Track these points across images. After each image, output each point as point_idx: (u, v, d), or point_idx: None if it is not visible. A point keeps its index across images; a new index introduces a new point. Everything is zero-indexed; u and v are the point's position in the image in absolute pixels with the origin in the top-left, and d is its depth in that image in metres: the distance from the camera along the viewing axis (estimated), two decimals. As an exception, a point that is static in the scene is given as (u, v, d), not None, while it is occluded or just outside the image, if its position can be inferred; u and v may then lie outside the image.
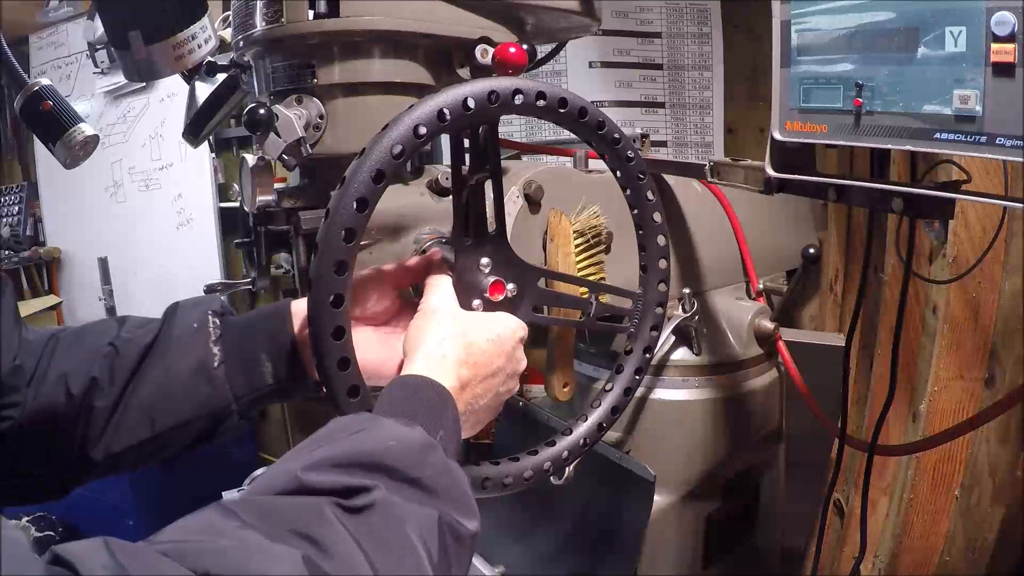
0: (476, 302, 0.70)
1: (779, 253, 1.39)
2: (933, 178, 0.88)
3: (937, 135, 0.60)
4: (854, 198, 0.73)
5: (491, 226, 0.71)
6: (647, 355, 0.80)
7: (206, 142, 1.41)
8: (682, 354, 1.13)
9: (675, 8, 1.86)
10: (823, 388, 1.10)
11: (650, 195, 0.77)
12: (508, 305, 0.72)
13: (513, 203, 0.93)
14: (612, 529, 1.09)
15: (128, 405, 0.68)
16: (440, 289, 0.68)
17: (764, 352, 1.17)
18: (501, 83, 0.64)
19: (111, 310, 2.59)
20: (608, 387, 0.80)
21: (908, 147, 0.63)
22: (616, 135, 0.72)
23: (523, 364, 0.70)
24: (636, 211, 0.78)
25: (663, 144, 1.90)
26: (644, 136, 1.30)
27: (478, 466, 0.69)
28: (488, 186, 0.70)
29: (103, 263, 2.60)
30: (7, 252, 3.01)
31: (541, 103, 0.66)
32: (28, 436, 0.66)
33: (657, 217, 0.78)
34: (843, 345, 1.05)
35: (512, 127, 1.93)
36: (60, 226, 3.17)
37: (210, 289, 1.00)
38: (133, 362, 0.69)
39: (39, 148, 3.01)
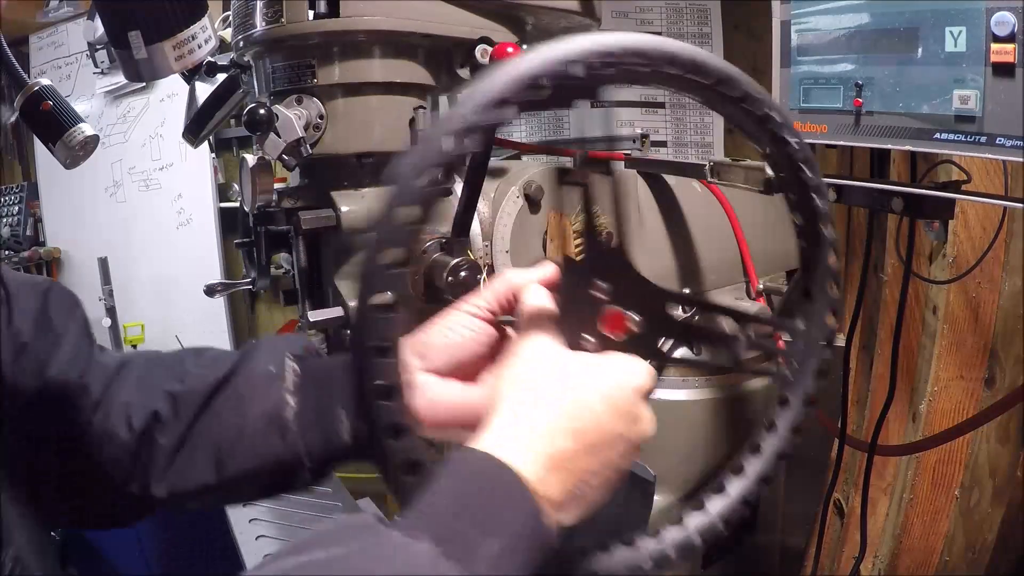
0: (588, 341, 0.54)
1: (779, 253, 1.39)
2: (933, 178, 0.88)
3: (937, 135, 0.60)
4: (854, 198, 0.73)
5: (609, 237, 0.55)
6: (808, 407, 0.60)
7: (206, 142, 1.41)
8: (682, 354, 1.12)
9: (675, 8, 1.86)
10: (823, 388, 1.10)
11: (819, 202, 0.56)
12: (632, 345, 0.54)
13: (513, 203, 0.93)
14: (612, 529, 1.09)
15: (195, 445, 0.63)
16: (537, 325, 0.53)
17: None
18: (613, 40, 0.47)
19: (111, 310, 2.59)
20: (756, 449, 0.60)
21: (908, 147, 0.63)
22: (772, 112, 0.53)
23: (650, 428, 0.53)
24: (801, 220, 0.57)
25: (663, 144, 1.90)
26: (644, 136, 1.30)
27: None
28: (603, 186, 0.54)
29: (103, 263, 2.60)
30: (7, 252, 3.01)
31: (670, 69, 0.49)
32: (91, 461, 0.62)
33: (828, 230, 0.57)
34: (843, 345, 1.05)
35: (512, 127, 1.93)
36: (60, 226, 3.17)
37: (210, 289, 0.99)
38: (200, 399, 0.64)
39: (39, 148, 3.01)
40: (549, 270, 0.56)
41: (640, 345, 0.54)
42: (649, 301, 0.55)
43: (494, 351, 0.58)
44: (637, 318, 0.54)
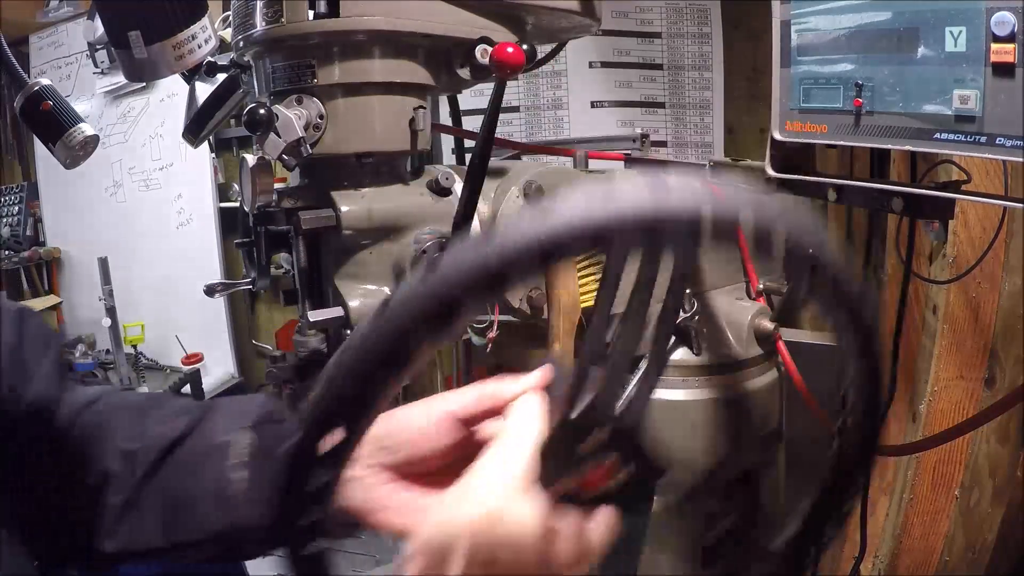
0: (560, 484, 0.44)
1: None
2: (933, 178, 0.88)
3: (937, 135, 0.60)
4: (854, 198, 0.73)
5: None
6: None
7: (206, 142, 1.41)
8: (682, 354, 1.12)
9: (675, 8, 1.86)
10: (823, 388, 1.10)
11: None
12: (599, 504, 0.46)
13: (513, 203, 0.93)
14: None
15: (144, 509, 0.61)
16: (505, 454, 0.43)
17: (764, 352, 1.17)
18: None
19: (111, 310, 2.59)
20: None
21: (908, 147, 0.63)
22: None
23: None
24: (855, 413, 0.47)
25: (663, 144, 1.90)
26: (644, 136, 1.30)
27: None
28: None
29: (103, 263, 2.60)
30: (7, 252, 3.01)
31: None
32: (46, 506, 0.62)
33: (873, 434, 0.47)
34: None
35: (512, 127, 1.93)
36: (60, 226, 3.17)
37: (210, 289, 0.99)
38: (153, 459, 0.62)
39: (39, 148, 3.01)
40: (546, 374, 0.48)
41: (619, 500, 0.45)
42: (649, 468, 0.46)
43: (462, 456, 0.50)
44: (627, 477, 0.46)
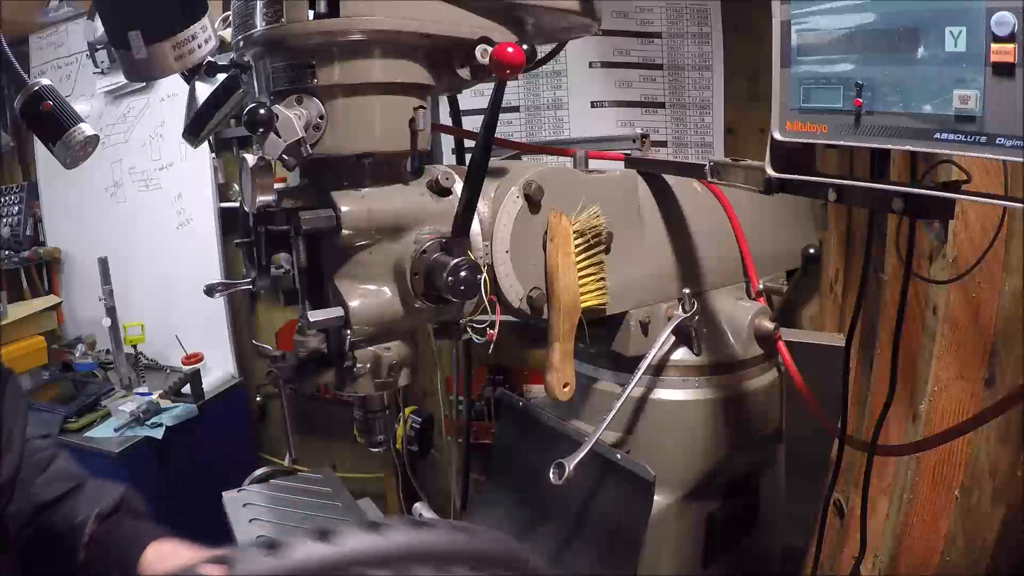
0: None
1: (779, 253, 1.39)
2: (933, 178, 0.88)
3: (937, 135, 0.60)
4: (854, 198, 0.73)
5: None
6: None
7: (206, 142, 1.40)
8: (682, 354, 1.13)
9: (675, 8, 1.86)
10: (823, 388, 1.10)
11: None
12: None
13: (513, 203, 0.93)
14: (612, 529, 1.09)
15: (25, 555, 0.82)
16: None
17: (764, 352, 1.17)
18: None
19: (111, 310, 2.59)
20: None
21: (908, 147, 0.63)
22: None
23: None
24: None
25: (663, 144, 1.90)
26: (644, 136, 1.30)
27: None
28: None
29: (103, 263, 2.59)
30: (7, 252, 3.01)
31: None
32: None
33: None
34: (843, 345, 1.06)
35: (512, 127, 1.93)
36: (60, 226, 3.17)
37: (210, 289, 0.99)
38: (29, 514, 0.83)
39: (39, 148, 3.01)
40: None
41: None
42: None
43: None
44: None
